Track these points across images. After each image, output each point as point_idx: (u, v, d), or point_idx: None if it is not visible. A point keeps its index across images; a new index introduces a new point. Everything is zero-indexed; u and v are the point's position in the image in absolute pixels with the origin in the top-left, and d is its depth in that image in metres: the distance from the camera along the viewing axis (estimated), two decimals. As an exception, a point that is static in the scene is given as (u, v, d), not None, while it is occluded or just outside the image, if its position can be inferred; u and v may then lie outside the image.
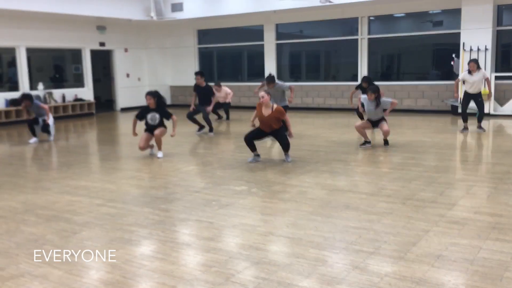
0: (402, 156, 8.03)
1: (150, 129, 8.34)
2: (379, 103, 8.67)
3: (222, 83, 14.10)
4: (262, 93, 7.63)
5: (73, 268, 3.85)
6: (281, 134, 7.78)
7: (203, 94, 11.13)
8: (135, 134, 8.52)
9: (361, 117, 11.90)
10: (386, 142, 8.91)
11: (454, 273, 3.58)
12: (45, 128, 10.51)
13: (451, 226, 4.56)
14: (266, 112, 7.59)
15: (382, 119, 8.81)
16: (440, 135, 10.27)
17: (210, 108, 11.05)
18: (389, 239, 4.25)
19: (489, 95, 10.88)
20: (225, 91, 13.67)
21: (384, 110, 8.88)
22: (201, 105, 11.15)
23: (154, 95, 8.19)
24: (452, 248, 4.02)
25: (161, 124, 8.30)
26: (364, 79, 11.54)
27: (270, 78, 10.09)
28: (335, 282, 3.46)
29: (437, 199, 5.46)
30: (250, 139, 7.77)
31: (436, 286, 3.38)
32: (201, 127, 11.36)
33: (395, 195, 5.67)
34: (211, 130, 11.15)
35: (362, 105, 9.13)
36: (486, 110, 12.60)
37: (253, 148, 7.83)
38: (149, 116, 8.23)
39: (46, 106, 10.48)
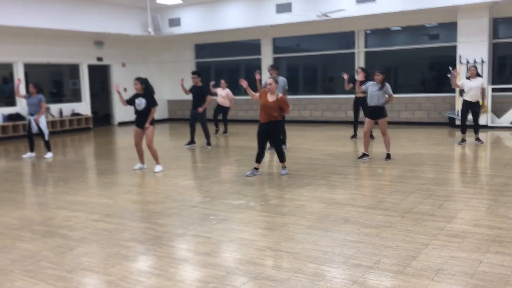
0: (401, 169, 8.01)
1: (138, 117, 8.43)
2: (384, 85, 8.67)
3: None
4: (270, 80, 7.77)
5: (69, 285, 3.80)
6: (277, 144, 7.87)
7: (199, 93, 11.13)
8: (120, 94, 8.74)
9: (355, 127, 11.89)
10: (388, 156, 8.85)
11: (454, 287, 3.54)
12: (41, 134, 10.42)
13: (451, 239, 4.53)
14: (271, 98, 7.71)
15: (383, 112, 8.72)
16: (438, 147, 10.27)
17: (201, 108, 10.98)
18: (388, 253, 4.22)
19: (482, 106, 10.90)
20: (228, 92, 13.60)
21: (385, 95, 8.80)
22: (195, 107, 11.08)
23: (141, 81, 8.39)
24: (452, 261, 3.99)
25: (147, 111, 8.33)
26: (361, 69, 11.61)
27: (275, 66, 10.55)
28: (334, 298, 3.42)
29: (436, 212, 5.43)
30: (263, 144, 7.82)
31: (436, 300, 3.34)
32: (192, 142, 11.36)
33: (393, 208, 5.64)
34: (208, 144, 11.15)
35: (365, 91, 9.01)
36: (483, 122, 12.68)
37: (261, 156, 7.84)
38: (137, 100, 8.40)
39: (43, 106, 10.39)
